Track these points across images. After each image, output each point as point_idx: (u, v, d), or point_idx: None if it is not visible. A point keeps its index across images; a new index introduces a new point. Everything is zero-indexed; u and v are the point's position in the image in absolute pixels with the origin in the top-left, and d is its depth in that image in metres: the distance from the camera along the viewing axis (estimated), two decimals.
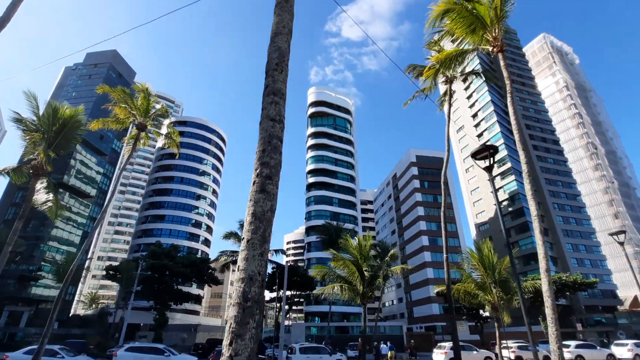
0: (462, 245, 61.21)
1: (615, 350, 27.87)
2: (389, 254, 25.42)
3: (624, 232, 11.67)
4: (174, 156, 74.01)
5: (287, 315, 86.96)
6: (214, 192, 77.69)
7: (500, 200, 72.62)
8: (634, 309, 75.70)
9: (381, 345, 27.14)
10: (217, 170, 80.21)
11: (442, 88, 25.71)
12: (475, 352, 24.92)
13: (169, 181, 71.04)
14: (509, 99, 12.04)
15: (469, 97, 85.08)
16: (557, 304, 54.76)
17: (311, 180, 65.00)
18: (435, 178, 67.53)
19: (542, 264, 10.78)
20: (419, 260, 60.84)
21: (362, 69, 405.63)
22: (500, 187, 72.69)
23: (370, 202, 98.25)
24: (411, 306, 63.74)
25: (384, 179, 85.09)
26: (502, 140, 73.22)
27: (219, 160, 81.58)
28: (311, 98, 71.93)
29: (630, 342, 27.85)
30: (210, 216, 74.69)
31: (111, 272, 50.14)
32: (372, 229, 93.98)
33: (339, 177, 66.50)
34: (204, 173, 75.28)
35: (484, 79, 24.77)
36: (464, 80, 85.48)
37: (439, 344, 27.36)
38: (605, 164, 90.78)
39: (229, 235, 38.50)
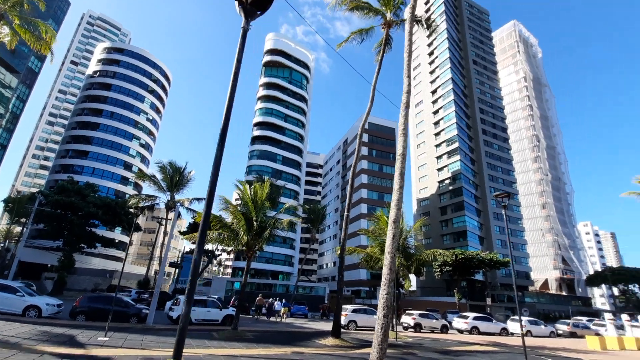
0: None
1: (510, 325, 29.13)
2: (285, 206, 23.62)
3: (508, 194, 10.11)
4: (107, 87, 65.96)
5: (210, 269, 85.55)
6: (151, 133, 70.99)
7: (442, 178, 74.27)
8: (543, 290, 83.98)
9: (275, 302, 26.08)
10: (157, 111, 72.98)
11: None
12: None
13: (98, 114, 63.24)
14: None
15: (431, 72, 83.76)
16: (474, 279, 58.19)
17: (257, 133, 61.05)
18: (385, 148, 66.74)
19: (392, 212, 9.15)
20: (355, 227, 60.86)
21: (335, 35, 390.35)
22: (445, 166, 73.98)
23: (322, 167, 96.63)
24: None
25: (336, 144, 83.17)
26: (454, 120, 73.52)
27: (161, 100, 74.08)
28: (268, 45, 66.05)
29: (525, 318, 29.16)
30: (144, 159, 68.57)
31: (9, 204, 44.30)
32: (319, 193, 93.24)
33: (287, 134, 63.16)
34: (140, 111, 67.99)
35: (427, 31, 22.18)
36: (430, 54, 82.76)
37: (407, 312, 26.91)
38: (544, 157, 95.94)
39: (142, 176, 34.59)
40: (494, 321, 27.97)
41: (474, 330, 26.77)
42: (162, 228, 39.14)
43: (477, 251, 48.38)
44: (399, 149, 10.38)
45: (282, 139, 61.82)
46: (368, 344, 14.49)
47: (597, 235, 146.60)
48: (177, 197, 36.82)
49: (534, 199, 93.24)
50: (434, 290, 68.61)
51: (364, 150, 63.85)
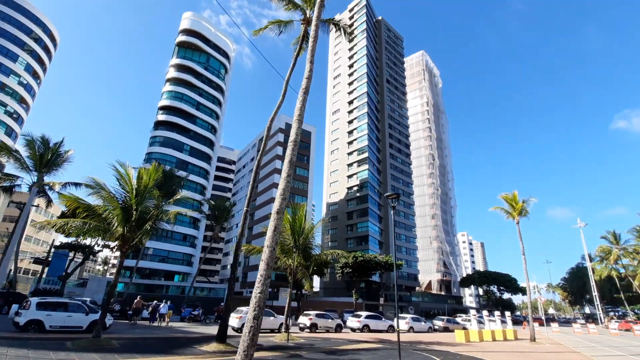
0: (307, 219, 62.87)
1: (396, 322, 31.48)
2: (177, 196, 21.58)
3: (397, 195, 10.44)
4: None
5: (90, 267, 74.74)
6: (23, 101, 58.33)
7: (351, 185, 78.20)
8: (427, 290, 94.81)
9: (160, 305, 23.51)
10: (35, 76, 60.45)
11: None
12: (272, 317, 23.69)
13: None
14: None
15: (350, 84, 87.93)
16: (371, 280, 62.20)
17: (162, 117, 55.16)
18: (300, 150, 67.15)
19: (276, 202, 8.67)
20: (262, 227, 59.69)
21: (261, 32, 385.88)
22: (355, 174, 78.09)
23: (235, 163, 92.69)
24: (247, 270, 62.67)
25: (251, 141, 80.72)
26: (366, 131, 78.24)
27: (41, 63, 61.64)
28: (184, 24, 60.62)
29: (409, 316, 31.88)
30: (10, 131, 55.86)
31: None
32: (230, 190, 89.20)
33: (198, 123, 58.64)
34: (10, 72, 55.37)
35: (343, 35, 22.58)
36: (351, 61, 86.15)
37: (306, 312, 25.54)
38: (437, 174, 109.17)
39: (1, 150, 27.65)
40: (383, 319, 29.87)
41: (365, 328, 28.12)
42: (26, 215, 31.92)
43: (374, 254, 51.81)
44: (292, 135, 9.88)
45: (192, 127, 57.12)
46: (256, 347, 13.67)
47: (470, 244, 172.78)
48: (47, 179, 30.48)
49: (426, 210, 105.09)
50: (335, 291, 71.28)
51: (278, 150, 63.21)
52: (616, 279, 69.16)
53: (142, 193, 14.27)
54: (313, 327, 25.80)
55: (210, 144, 60.19)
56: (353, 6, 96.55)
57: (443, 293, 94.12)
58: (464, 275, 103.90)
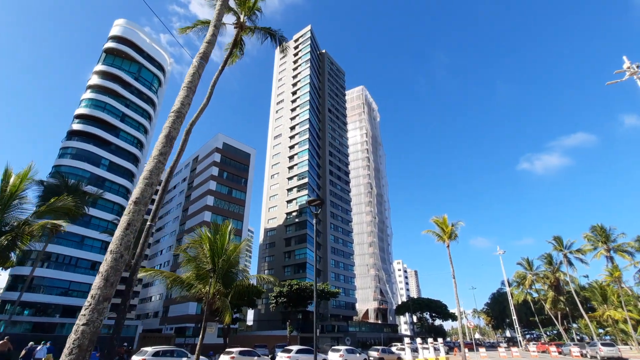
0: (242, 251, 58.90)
1: (331, 355, 29.29)
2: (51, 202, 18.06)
3: (321, 202, 8.57)
4: None
5: None
6: None
7: (290, 210, 76.25)
8: (364, 319, 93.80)
9: (37, 348, 18.69)
10: None
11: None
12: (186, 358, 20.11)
13: None
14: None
15: (292, 110, 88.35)
16: (308, 310, 59.33)
17: (77, 127, 48.61)
18: (238, 172, 64.00)
19: (137, 189, 6.64)
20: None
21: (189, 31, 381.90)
22: (294, 199, 76.52)
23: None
24: (168, 304, 55.71)
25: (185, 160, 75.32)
26: (307, 157, 78.08)
27: None
28: (115, 30, 55.89)
29: (343, 348, 29.93)
30: None
31: None
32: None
33: (122, 136, 52.89)
34: None
35: (278, 47, 21.64)
36: (294, 88, 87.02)
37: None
38: (375, 202, 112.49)
39: None
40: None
41: None
42: None
43: (311, 282, 49.58)
44: (176, 104, 8.00)
45: (114, 140, 51.21)
46: None
47: (405, 271, 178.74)
48: None
49: (364, 237, 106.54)
50: (270, 324, 66.63)
51: (214, 171, 59.43)
52: (531, 303, 75.15)
53: (5, 199, 10.89)
54: None
55: (134, 160, 54.37)
56: (298, 37, 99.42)
57: (380, 322, 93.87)
58: (400, 302, 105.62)
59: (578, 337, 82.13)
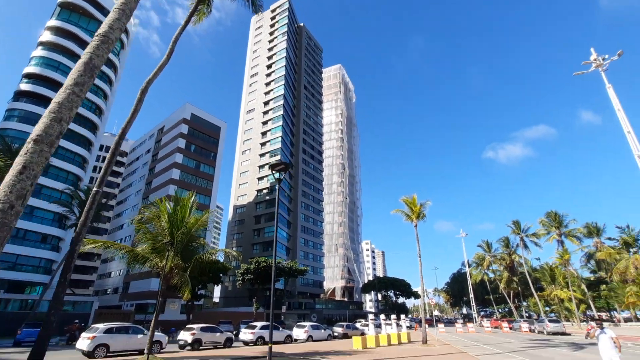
0: (209, 226, 57.23)
1: (295, 331, 29.31)
2: None
3: (286, 166, 7.62)
4: None
5: None
6: None
7: (261, 188, 74.85)
8: (331, 297, 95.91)
9: None
10: None
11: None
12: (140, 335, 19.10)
13: None
14: None
15: (267, 84, 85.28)
16: (275, 287, 59.52)
17: (26, 87, 43.95)
18: (207, 145, 61.29)
19: (40, 123, 5.41)
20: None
21: (172, 21, 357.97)
22: (266, 176, 75.05)
23: (128, 155, 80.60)
24: (129, 280, 53.62)
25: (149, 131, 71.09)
26: (280, 134, 76.24)
27: None
28: None
29: (308, 324, 30.02)
30: None
31: None
32: (119, 185, 76.98)
33: None
34: None
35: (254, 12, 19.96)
36: (269, 61, 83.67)
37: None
38: (346, 183, 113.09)
39: None
40: (280, 329, 27.36)
41: (259, 340, 25.22)
42: None
43: (279, 259, 49.21)
44: (102, 27, 6.87)
45: None
46: None
47: (373, 252, 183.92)
48: None
49: (334, 217, 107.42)
50: (237, 300, 66.30)
51: (181, 143, 56.50)
52: (487, 283, 79.64)
53: None
54: (196, 344, 21.81)
55: (92, 126, 50.41)
56: (276, 7, 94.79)
57: (346, 299, 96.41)
58: (366, 281, 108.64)
59: (527, 314, 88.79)
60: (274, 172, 7.23)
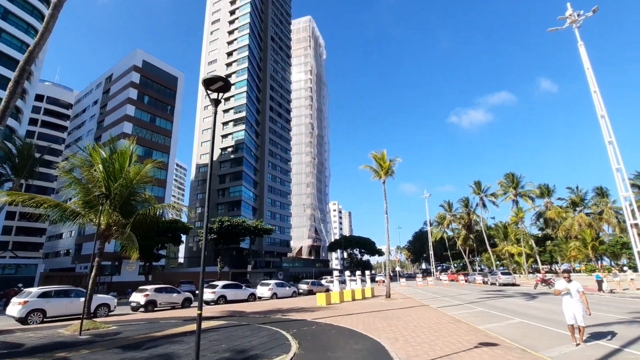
0: (169, 179, 54.05)
1: (259, 289, 28.69)
2: None
3: (223, 82, 5.51)
4: None
5: None
6: None
7: (225, 146, 71.27)
8: (298, 256, 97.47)
9: None
10: None
11: None
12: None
13: None
14: None
15: (230, 33, 78.35)
16: (241, 247, 58.64)
17: None
18: (162, 97, 56.09)
19: None
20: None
21: None
22: (230, 134, 71.26)
23: (73, 107, 72.67)
24: (82, 241, 50.22)
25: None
26: (245, 89, 71.64)
27: None
28: None
29: (272, 282, 29.50)
30: None
31: None
32: (64, 140, 70.03)
33: (4, 39, 41.54)
34: None
35: None
36: (233, 6, 76.60)
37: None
38: (315, 143, 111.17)
39: None
40: (243, 288, 26.55)
41: (221, 299, 24.29)
42: None
43: (243, 219, 47.89)
44: None
45: None
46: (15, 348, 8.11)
47: (340, 212, 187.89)
48: None
49: (302, 178, 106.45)
50: (192, 260, 65.26)
51: (132, 94, 51.10)
52: (446, 240, 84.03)
53: None
54: (150, 306, 20.38)
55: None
56: None
57: (312, 257, 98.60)
58: (332, 240, 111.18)
59: (480, 268, 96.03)
60: (209, 91, 5.34)
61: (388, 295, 22.60)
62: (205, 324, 12.63)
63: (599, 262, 58.61)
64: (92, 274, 13.14)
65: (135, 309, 20.51)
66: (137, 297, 20.44)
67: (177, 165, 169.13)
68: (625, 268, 33.11)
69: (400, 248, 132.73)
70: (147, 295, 20.38)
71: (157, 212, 14.44)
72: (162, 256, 40.76)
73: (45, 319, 15.86)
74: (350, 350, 7.82)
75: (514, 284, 38.91)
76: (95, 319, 13.47)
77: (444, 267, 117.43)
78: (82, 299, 17.45)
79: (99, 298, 18.37)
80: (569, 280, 8.44)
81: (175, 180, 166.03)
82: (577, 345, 8.07)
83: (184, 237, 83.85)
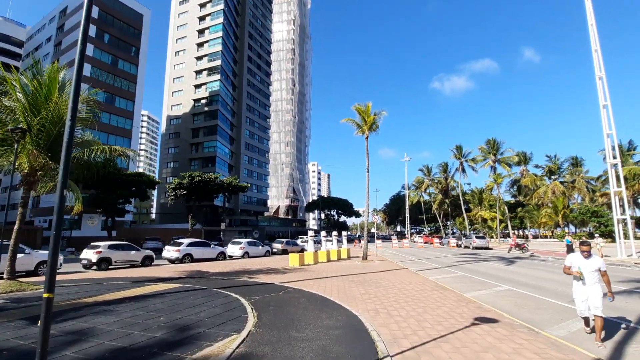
0: (135, 129, 49.86)
1: (230, 248, 27.24)
2: None
3: None
4: None
5: None
6: None
7: (199, 97, 66.39)
8: (275, 215, 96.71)
9: None
10: None
11: None
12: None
13: None
14: None
15: None
16: (215, 205, 56.54)
17: None
18: (125, 37, 50.07)
19: None
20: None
21: None
22: (204, 84, 66.12)
23: (24, 45, 64.52)
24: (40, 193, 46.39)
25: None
26: (221, 34, 65.52)
27: None
28: None
29: (244, 240, 28.04)
30: None
31: None
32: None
33: None
34: None
35: None
36: None
37: None
38: (296, 100, 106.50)
39: None
40: (212, 246, 24.87)
41: (186, 258, 22.58)
42: None
43: (215, 174, 45.34)
44: None
45: None
46: None
47: (319, 173, 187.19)
48: None
49: (281, 136, 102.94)
50: (175, 217, 62.76)
51: (91, 30, 45.04)
52: (422, 204, 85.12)
53: None
54: (103, 263, 18.36)
55: None
56: None
57: (290, 217, 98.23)
58: (310, 201, 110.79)
59: (452, 232, 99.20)
60: None
61: (365, 257, 21.62)
62: (153, 288, 10.82)
63: (566, 229, 61.06)
64: (16, 227, 10.82)
65: (87, 266, 18.46)
66: (89, 255, 18.31)
67: (149, 118, 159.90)
68: (596, 235, 33.80)
69: (376, 211, 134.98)
70: (99, 252, 18.29)
71: (97, 157, 11.94)
72: (126, 211, 38.16)
73: None
74: (321, 328, 6.21)
75: (487, 248, 39.46)
76: (20, 280, 11.35)
77: (418, 230, 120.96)
78: (22, 255, 15.25)
79: (41, 254, 16.18)
80: (588, 255, 5.72)
81: (147, 134, 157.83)
82: (590, 332, 6.18)
83: (155, 193, 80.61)
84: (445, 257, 26.96)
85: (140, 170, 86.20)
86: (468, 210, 76.79)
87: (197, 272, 16.27)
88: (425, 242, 55.46)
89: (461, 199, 66.24)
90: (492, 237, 67.54)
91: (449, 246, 45.11)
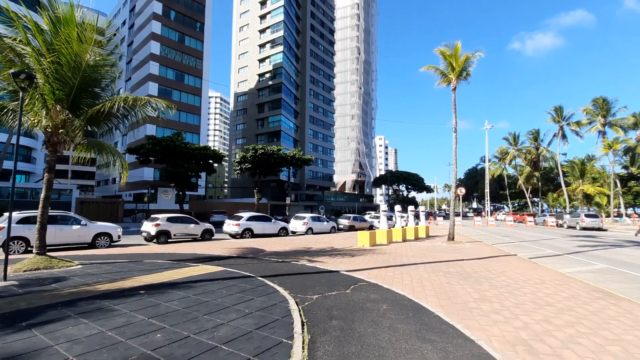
0: (204, 105, 50.65)
1: (292, 223, 25.33)
2: None
3: None
4: None
5: None
6: None
7: (263, 71, 65.37)
8: (341, 190, 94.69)
9: None
10: None
11: None
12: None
13: None
14: None
15: None
16: (281, 179, 55.94)
17: None
18: (190, 13, 50.18)
19: None
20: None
21: None
22: (268, 57, 64.71)
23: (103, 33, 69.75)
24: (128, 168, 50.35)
25: None
26: (282, 2, 62.69)
27: None
28: None
29: (308, 215, 25.85)
30: None
31: None
32: None
33: None
34: None
35: None
36: None
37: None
38: (361, 70, 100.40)
39: None
40: (273, 221, 23.06)
41: (246, 233, 21.07)
42: None
43: (278, 147, 43.78)
44: None
45: None
46: None
47: (386, 148, 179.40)
48: None
49: (346, 109, 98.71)
50: (244, 192, 64.30)
51: (155, 27, 45.64)
52: (505, 178, 75.04)
53: None
54: (163, 236, 17.51)
55: None
56: None
57: (356, 193, 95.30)
58: (378, 176, 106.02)
59: (540, 209, 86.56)
60: None
61: (451, 237, 17.62)
62: (188, 272, 8.66)
63: None
64: (42, 195, 9.45)
65: (147, 239, 17.81)
66: (148, 227, 17.57)
67: (222, 99, 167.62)
68: None
69: (448, 186, 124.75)
70: (157, 225, 17.41)
71: (121, 109, 10.00)
72: (197, 185, 38.87)
73: (28, 248, 13.22)
74: None
75: (600, 229, 31.84)
76: (57, 257, 10.18)
77: (496, 207, 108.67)
78: (75, 227, 14.72)
79: (98, 226, 15.58)
80: None
81: (220, 114, 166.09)
82: None
83: (226, 168, 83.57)
84: (554, 239, 21.40)
85: (216, 149, 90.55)
86: (567, 184, 65.18)
87: (251, 249, 14.21)
88: (519, 221, 48.08)
89: (560, 170, 55.91)
90: (604, 215, 56.23)
91: (547, 225, 37.83)
